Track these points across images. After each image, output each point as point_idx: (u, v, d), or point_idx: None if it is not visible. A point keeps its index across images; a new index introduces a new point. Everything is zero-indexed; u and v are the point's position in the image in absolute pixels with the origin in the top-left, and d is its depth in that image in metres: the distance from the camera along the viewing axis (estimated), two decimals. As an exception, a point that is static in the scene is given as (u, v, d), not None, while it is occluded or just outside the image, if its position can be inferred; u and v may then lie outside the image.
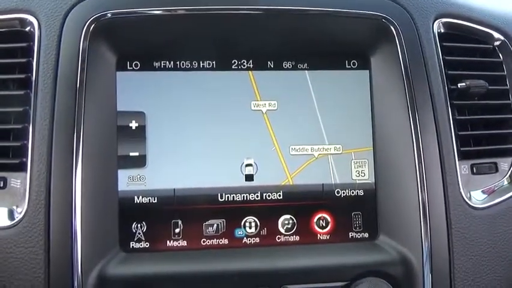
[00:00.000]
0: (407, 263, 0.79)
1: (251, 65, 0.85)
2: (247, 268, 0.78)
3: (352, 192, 0.84)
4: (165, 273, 0.77)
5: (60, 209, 0.75)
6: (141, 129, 0.81)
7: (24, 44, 0.81)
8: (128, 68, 0.83)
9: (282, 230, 0.83)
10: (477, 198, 0.84)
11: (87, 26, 0.79)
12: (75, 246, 0.74)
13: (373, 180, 0.84)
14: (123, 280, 0.75)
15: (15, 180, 0.78)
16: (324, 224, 0.83)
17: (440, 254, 0.80)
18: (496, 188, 0.85)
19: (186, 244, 0.81)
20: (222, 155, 0.82)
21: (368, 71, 0.86)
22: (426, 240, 0.79)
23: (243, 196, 0.82)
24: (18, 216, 0.75)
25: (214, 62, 0.85)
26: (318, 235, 0.83)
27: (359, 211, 0.84)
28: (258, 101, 0.83)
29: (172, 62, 0.84)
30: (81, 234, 0.74)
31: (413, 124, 0.82)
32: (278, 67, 0.86)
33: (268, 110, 0.83)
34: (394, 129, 0.83)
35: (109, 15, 0.80)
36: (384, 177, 0.84)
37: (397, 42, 0.84)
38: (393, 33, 0.85)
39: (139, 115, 0.82)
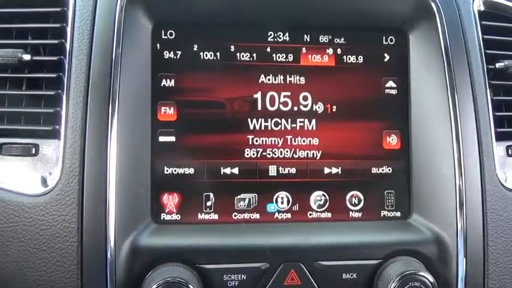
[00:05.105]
0: (440, 243, 0.78)
1: (287, 38, 0.83)
2: (280, 243, 0.77)
3: (386, 171, 0.83)
4: (196, 246, 0.76)
5: (94, 177, 0.74)
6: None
7: (58, 9, 0.80)
8: (163, 37, 0.81)
9: (314, 206, 0.82)
10: (513, 180, 0.83)
11: (124, -10, 0.77)
12: (109, 215, 0.73)
13: (408, 159, 0.83)
14: (155, 251, 0.75)
15: (48, 148, 0.77)
16: (356, 202, 0.82)
17: (475, 235, 0.79)
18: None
19: (217, 218, 0.80)
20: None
21: (406, 48, 0.84)
22: (461, 220, 0.78)
23: (276, 171, 0.81)
24: (51, 184, 0.74)
25: (250, 35, 0.82)
26: (350, 212, 0.82)
27: (392, 189, 0.83)
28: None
29: (206, 33, 0.82)
30: (115, 204, 0.73)
31: (451, 103, 0.80)
32: (315, 41, 0.84)
33: None
34: (432, 108, 0.82)
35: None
36: (419, 156, 0.82)
37: (438, 19, 0.83)
38: (434, 9, 0.83)
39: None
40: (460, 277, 0.78)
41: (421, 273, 0.74)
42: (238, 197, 0.81)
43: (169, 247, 0.75)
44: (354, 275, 0.77)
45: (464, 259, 0.78)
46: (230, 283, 0.75)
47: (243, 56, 0.82)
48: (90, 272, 0.73)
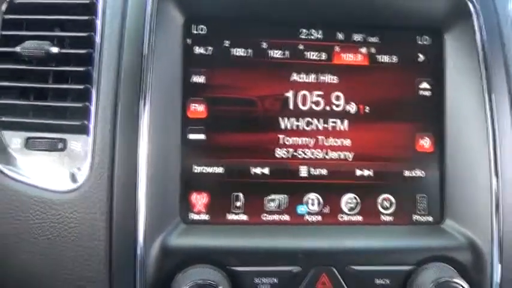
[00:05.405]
0: (475, 249, 0.76)
1: (320, 36, 0.81)
2: (312, 246, 0.75)
3: (419, 174, 0.81)
4: (227, 247, 0.74)
5: (124, 175, 0.72)
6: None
7: (87, 1, 0.78)
8: (194, 32, 0.79)
9: (345, 209, 0.80)
10: (549, 186, 0.81)
11: (155, -18, 0.75)
12: (138, 214, 0.71)
13: (442, 162, 0.81)
14: (185, 252, 0.73)
15: (75, 143, 0.75)
16: (387, 205, 0.81)
17: (510, 240, 0.77)
18: None
19: (246, 218, 0.78)
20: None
21: (441, 48, 0.82)
22: (496, 225, 0.76)
23: (307, 172, 0.79)
24: (79, 180, 0.72)
25: (282, 32, 0.80)
26: (381, 216, 0.80)
27: (424, 193, 0.81)
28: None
29: (238, 29, 0.80)
30: (145, 203, 0.71)
31: (488, 107, 0.79)
32: (348, 39, 0.82)
33: None
34: (468, 111, 0.80)
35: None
36: (453, 159, 0.80)
37: (475, 19, 0.81)
38: (470, 9, 0.81)
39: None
40: (494, 284, 0.76)
41: (455, 280, 0.73)
42: (268, 197, 0.79)
43: (198, 248, 0.73)
44: (387, 281, 0.75)
45: (500, 265, 0.76)
46: (261, 286, 0.73)
47: (275, 53, 0.80)
48: (119, 271, 0.71)
